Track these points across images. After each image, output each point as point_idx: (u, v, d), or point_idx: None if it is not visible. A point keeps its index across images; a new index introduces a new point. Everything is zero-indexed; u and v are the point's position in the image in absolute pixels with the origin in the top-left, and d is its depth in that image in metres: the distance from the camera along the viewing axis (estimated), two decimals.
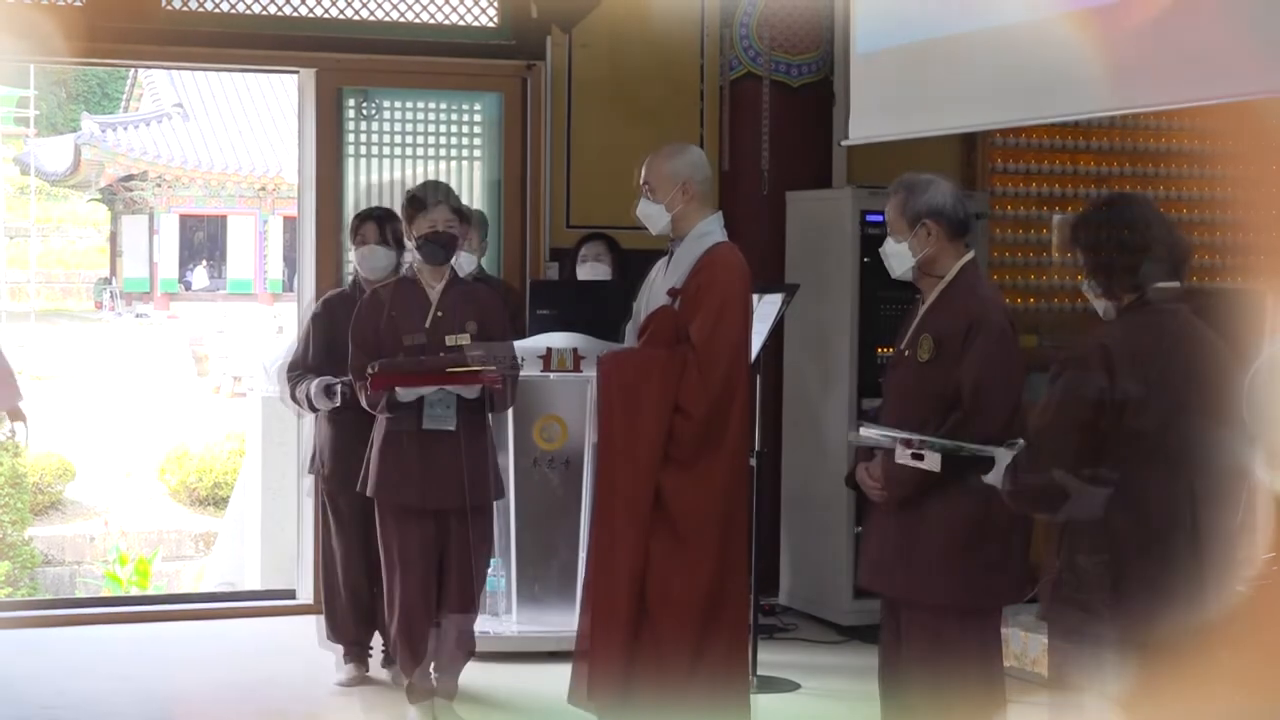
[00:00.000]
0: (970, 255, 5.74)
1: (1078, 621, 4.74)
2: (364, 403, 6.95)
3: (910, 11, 7.75)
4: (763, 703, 6.65)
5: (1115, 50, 6.38)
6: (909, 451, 5.23)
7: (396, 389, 6.81)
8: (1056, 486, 4.76)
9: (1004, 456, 4.98)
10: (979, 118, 7.71)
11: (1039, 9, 6.88)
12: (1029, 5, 6.95)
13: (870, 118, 8.14)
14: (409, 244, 7.15)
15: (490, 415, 7.17)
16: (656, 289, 6.45)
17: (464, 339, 6.95)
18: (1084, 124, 10.03)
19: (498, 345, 6.99)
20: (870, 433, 5.50)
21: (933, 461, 5.17)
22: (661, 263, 6.54)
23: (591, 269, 8.74)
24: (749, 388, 6.53)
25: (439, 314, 7.00)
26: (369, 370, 6.82)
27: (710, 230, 6.42)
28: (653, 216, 6.45)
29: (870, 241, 8.43)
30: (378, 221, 7.74)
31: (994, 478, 5.02)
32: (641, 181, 6.47)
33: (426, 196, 7.02)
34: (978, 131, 9.58)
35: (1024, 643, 7.67)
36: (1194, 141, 10.41)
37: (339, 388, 7.47)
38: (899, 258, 5.74)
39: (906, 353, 5.70)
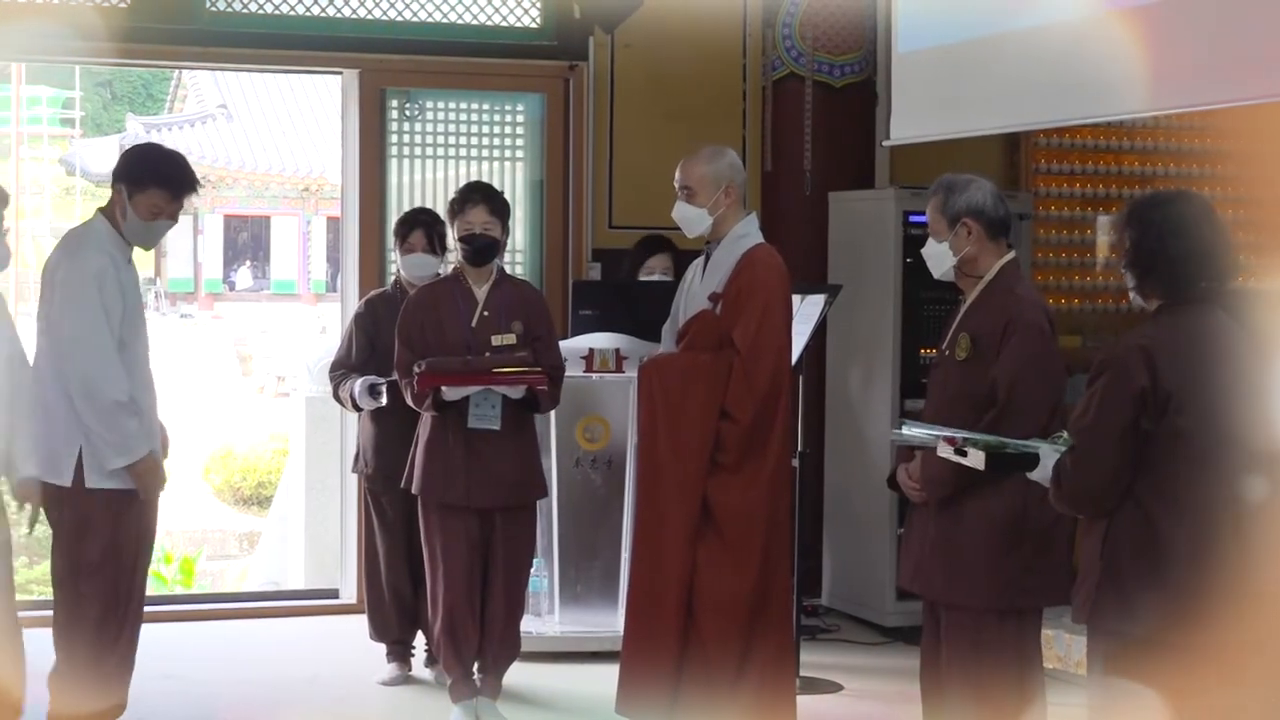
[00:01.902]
0: (1011, 255, 5.74)
1: (1120, 623, 4.72)
2: (409, 401, 6.97)
3: (952, 11, 7.73)
4: (805, 704, 6.64)
5: (1158, 50, 6.35)
6: (952, 448, 5.21)
7: (442, 388, 6.83)
8: (1100, 489, 4.75)
9: (1049, 454, 4.95)
10: (1022, 118, 7.69)
11: (1081, 8, 6.86)
12: (1071, 5, 6.93)
13: (912, 118, 8.13)
14: (451, 245, 7.18)
15: (535, 415, 7.19)
16: (694, 292, 6.44)
17: (509, 339, 6.97)
18: (1128, 124, 9.99)
19: (543, 345, 7.01)
20: (913, 431, 5.48)
21: (976, 459, 5.14)
22: (697, 264, 6.54)
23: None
24: (792, 389, 6.53)
25: (485, 314, 7.01)
26: (415, 369, 6.84)
27: (748, 232, 6.42)
28: (692, 220, 6.44)
29: (913, 242, 8.43)
30: (425, 228, 7.74)
31: (1040, 475, 4.99)
32: (679, 185, 6.46)
33: (464, 198, 7.05)
34: (1021, 132, 9.55)
35: (1068, 645, 7.64)
36: (1238, 142, 10.36)
37: (382, 387, 7.50)
38: (939, 258, 5.74)
39: (947, 352, 5.71)
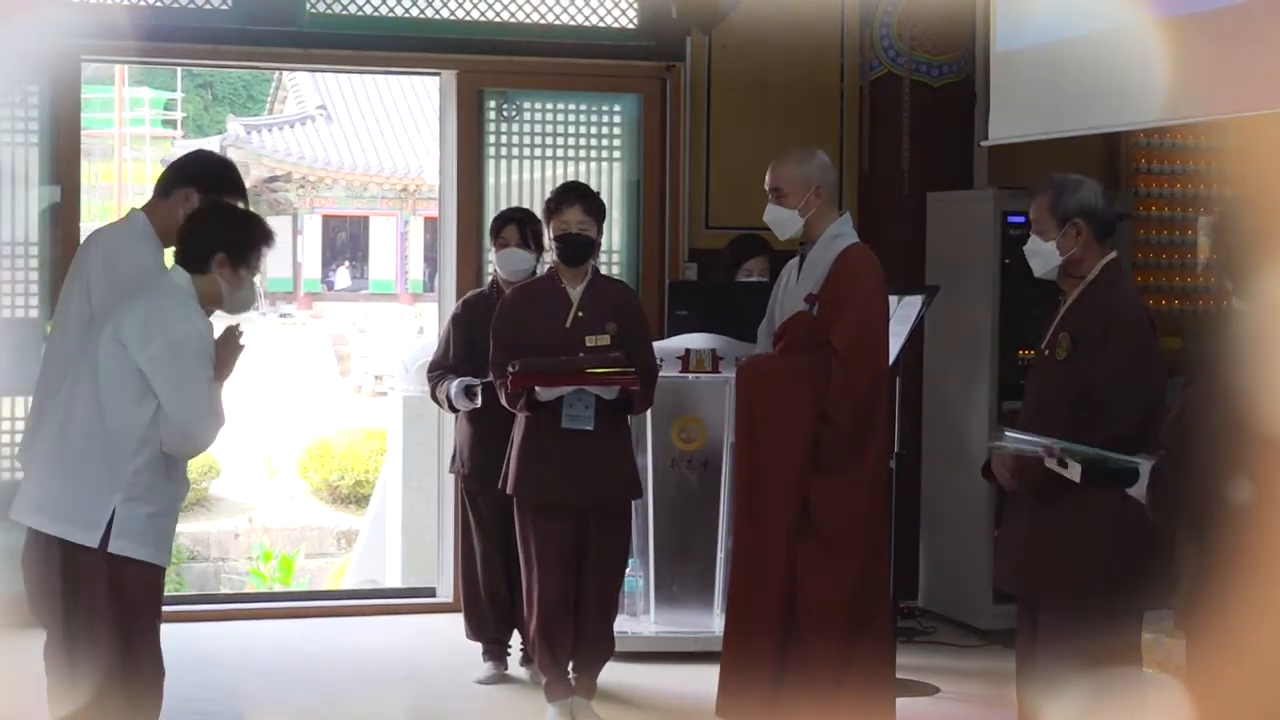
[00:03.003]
0: (1113, 255, 5.69)
1: (1220, 630, 4.66)
2: (504, 401, 6.99)
3: (1051, 10, 7.67)
4: (902, 706, 6.60)
5: (1262, 49, 6.28)
6: (1054, 459, 5.18)
7: (536, 388, 6.85)
8: (1197, 493, 4.69)
9: (1148, 470, 4.90)
10: (1122, 117, 7.61)
11: (1182, 7, 6.79)
12: (1171, 4, 6.86)
13: (1011, 118, 8.07)
14: (548, 244, 7.20)
15: (629, 415, 7.19)
16: (791, 293, 6.43)
17: (603, 340, 6.97)
18: (1229, 124, 9.87)
19: (636, 346, 7.01)
20: (1012, 437, 5.43)
21: (1074, 472, 5.10)
22: (792, 264, 6.52)
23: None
24: (889, 391, 6.51)
25: (579, 314, 7.02)
26: (509, 369, 6.86)
27: (842, 232, 6.41)
28: (784, 222, 6.43)
29: (1012, 243, 8.37)
30: (519, 224, 7.76)
31: (1139, 490, 4.94)
32: (769, 188, 6.45)
33: (560, 198, 7.06)
34: (1121, 131, 9.46)
35: (1167, 650, 7.56)
36: None
37: (479, 388, 7.52)
38: (1044, 256, 5.68)
39: (1046, 352, 5.67)
